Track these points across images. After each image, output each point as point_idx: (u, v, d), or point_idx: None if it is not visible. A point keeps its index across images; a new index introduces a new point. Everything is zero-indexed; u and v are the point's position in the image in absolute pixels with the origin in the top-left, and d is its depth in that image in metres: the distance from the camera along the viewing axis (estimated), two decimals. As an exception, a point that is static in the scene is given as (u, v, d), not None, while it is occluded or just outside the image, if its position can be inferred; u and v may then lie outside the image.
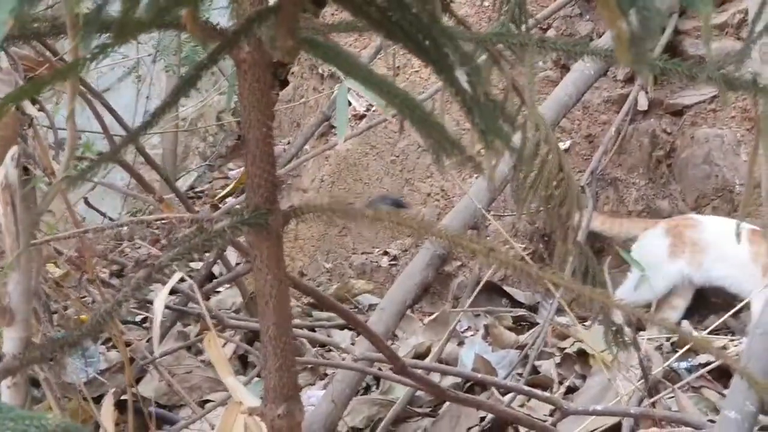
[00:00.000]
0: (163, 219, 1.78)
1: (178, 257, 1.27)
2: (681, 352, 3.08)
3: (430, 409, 3.34)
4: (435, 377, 3.33)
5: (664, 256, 3.64)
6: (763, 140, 1.39)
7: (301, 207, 1.50)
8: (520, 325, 3.87)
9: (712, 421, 2.83)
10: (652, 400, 2.81)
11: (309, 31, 1.26)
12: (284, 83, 5.41)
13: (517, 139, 1.95)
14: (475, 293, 3.47)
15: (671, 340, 3.38)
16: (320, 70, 4.93)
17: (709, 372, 3.11)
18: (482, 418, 3.13)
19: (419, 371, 2.79)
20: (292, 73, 5.17)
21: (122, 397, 2.59)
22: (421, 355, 3.55)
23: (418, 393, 3.28)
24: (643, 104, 4.08)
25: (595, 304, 2.09)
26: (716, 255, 3.59)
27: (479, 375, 3.00)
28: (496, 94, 1.35)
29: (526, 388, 2.88)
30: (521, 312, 3.93)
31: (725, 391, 3.10)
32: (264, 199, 1.45)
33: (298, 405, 1.53)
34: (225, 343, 3.56)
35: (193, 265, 3.88)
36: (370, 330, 2.12)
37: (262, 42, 1.32)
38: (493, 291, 4.03)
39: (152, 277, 1.28)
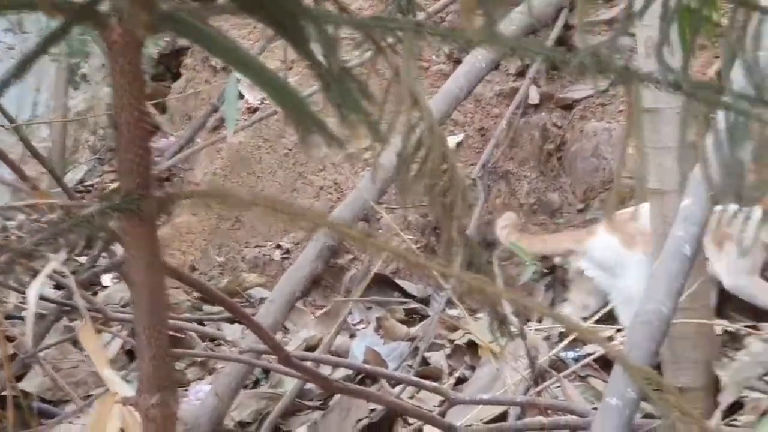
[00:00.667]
0: (33, 205, 1.74)
1: (42, 242, 1.23)
2: (566, 341, 3.11)
3: (321, 402, 3.32)
4: (326, 370, 3.32)
5: (623, 251, 3.54)
6: (634, 129, 1.40)
7: (177, 193, 1.47)
8: (412, 317, 3.88)
9: (596, 409, 2.86)
10: (538, 389, 2.83)
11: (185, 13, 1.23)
12: (176, 75, 5.35)
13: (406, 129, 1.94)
14: (364, 285, 3.46)
15: (559, 331, 3.41)
16: (213, 63, 4.88)
17: (595, 361, 3.15)
18: (372, 410, 3.12)
19: (308, 363, 2.78)
20: (185, 65, 5.11)
21: (2, 393, 2.53)
22: (312, 348, 3.53)
23: (309, 386, 3.27)
24: (534, 98, 4.12)
25: (481, 294, 2.10)
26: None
27: (368, 366, 2.99)
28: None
29: (415, 379, 2.88)
30: (413, 304, 3.93)
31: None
32: (136, 184, 1.41)
33: (173, 395, 1.50)
34: (112, 338, 3.50)
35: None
36: (253, 321, 2.09)
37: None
38: (385, 284, 4.03)
39: (15, 263, 1.24)
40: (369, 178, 3.57)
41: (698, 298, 3.06)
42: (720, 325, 3.20)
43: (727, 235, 3.39)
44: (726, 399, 3.01)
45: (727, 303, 3.53)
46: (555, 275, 3.83)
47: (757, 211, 1.33)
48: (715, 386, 3.06)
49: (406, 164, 2.14)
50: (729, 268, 3.44)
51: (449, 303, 3.66)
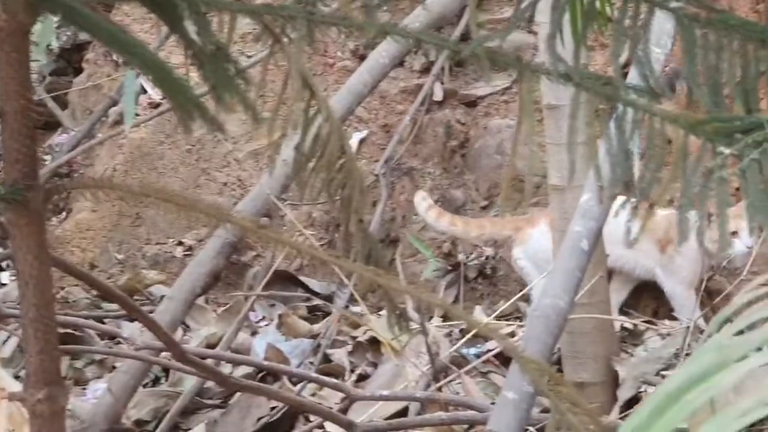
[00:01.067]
0: None
1: None
2: (467, 337, 3.12)
3: (221, 400, 3.29)
4: (228, 368, 3.29)
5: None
6: (526, 119, 1.40)
7: (65, 183, 1.44)
8: (315, 314, 3.85)
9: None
10: (438, 384, 2.83)
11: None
12: (78, 70, 5.27)
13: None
14: (265, 280, 3.43)
15: (461, 327, 3.42)
16: (114, 57, 4.80)
17: (496, 357, 3.16)
18: (273, 408, 3.10)
19: (208, 360, 2.75)
20: (87, 60, 5.02)
21: None
22: (212, 346, 3.49)
23: (209, 384, 3.24)
24: (438, 95, 4.12)
25: (378, 288, 2.09)
26: (609, 238, 3.46)
27: (266, 363, 2.97)
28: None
29: (316, 375, 2.86)
30: (316, 301, 3.91)
31: (511, 376, 3.16)
32: (22, 174, 1.38)
33: (62, 390, 1.47)
34: (8, 336, 3.44)
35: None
36: (147, 317, 2.05)
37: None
38: (288, 281, 4.00)
39: None
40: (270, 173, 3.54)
41: (597, 293, 3.09)
42: (618, 321, 3.24)
43: (672, 240, 3.39)
44: (624, 394, 3.05)
45: (626, 298, 3.57)
46: (458, 272, 3.83)
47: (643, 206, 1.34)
48: (614, 381, 3.09)
49: (303, 158, 2.13)
50: (674, 275, 3.46)
51: (352, 300, 3.65)
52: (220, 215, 2.11)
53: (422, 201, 3.74)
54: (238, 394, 3.20)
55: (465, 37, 4.12)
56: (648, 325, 3.34)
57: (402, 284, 2.07)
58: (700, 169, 1.27)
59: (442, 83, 4.14)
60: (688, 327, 3.18)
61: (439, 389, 2.81)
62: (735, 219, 3.22)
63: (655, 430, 0.60)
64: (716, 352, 0.68)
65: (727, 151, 1.24)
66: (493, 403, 2.78)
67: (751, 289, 0.75)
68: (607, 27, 1.44)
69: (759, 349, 0.70)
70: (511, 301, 3.36)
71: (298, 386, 3.10)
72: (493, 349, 3.16)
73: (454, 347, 3.11)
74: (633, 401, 3.03)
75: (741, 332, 0.71)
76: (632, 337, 3.38)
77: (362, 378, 3.29)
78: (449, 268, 3.86)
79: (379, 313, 3.46)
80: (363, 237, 2.24)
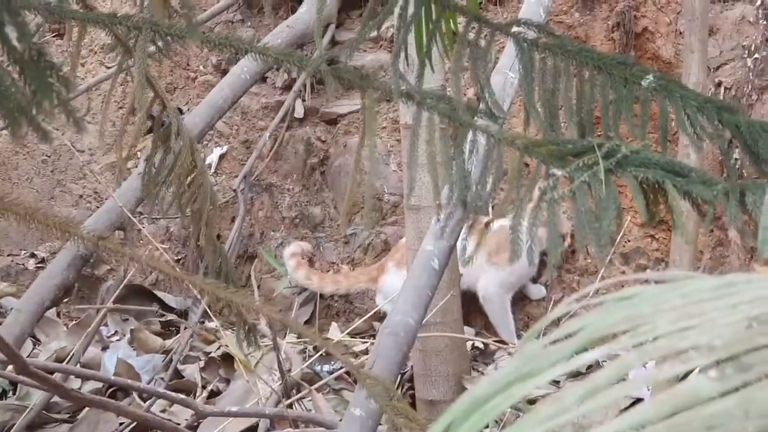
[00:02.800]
0: None
1: None
2: (317, 355, 3.12)
3: (69, 415, 3.23)
4: (77, 383, 3.23)
5: None
6: (368, 134, 1.41)
7: None
8: (170, 329, 3.81)
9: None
10: (288, 401, 2.82)
11: None
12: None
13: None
14: (117, 293, 3.38)
15: (314, 344, 3.42)
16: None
17: (348, 374, 3.17)
18: (121, 424, 3.05)
19: (56, 375, 2.70)
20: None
21: None
22: (62, 360, 3.42)
23: (58, 399, 3.17)
24: (299, 112, 4.13)
25: (227, 303, 2.08)
26: None
27: (115, 378, 2.92)
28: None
29: (163, 391, 2.83)
30: (171, 316, 3.87)
31: (364, 394, 3.17)
32: None
33: None
34: None
35: None
36: (-12, 328, 2.01)
37: None
38: (143, 295, 3.96)
39: None
40: (129, 184, 3.48)
41: (449, 312, 3.13)
42: (470, 340, 3.28)
43: (503, 250, 3.48)
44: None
45: (478, 318, 3.62)
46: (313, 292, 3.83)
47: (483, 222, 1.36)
48: (463, 399, 3.12)
49: (153, 170, 2.10)
50: (488, 281, 3.54)
51: (207, 315, 3.62)
52: (69, 230, 2.08)
53: (290, 249, 3.77)
54: (86, 409, 3.14)
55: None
56: (499, 345, 3.38)
57: (251, 300, 2.06)
58: (534, 189, 1.30)
59: (304, 100, 4.15)
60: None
61: (290, 406, 2.80)
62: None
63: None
64: (524, 361, 0.70)
65: (559, 173, 1.27)
66: (342, 420, 2.79)
67: (569, 303, 0.77)
68: (452, 46, 1.47)
69: (557, 362, 0.72)
70: (363, 318, 3.38)
71: (148, 402, 3.06)
72: (346, 368, 3.17)
73: (305, 364, 3.10)
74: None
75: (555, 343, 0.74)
76: (483, 356, 3.42)
77: (214, 394, 3.26)
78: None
79: (234, 328, 3.44)
80: (214, 251, 2.24)
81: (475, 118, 1.35)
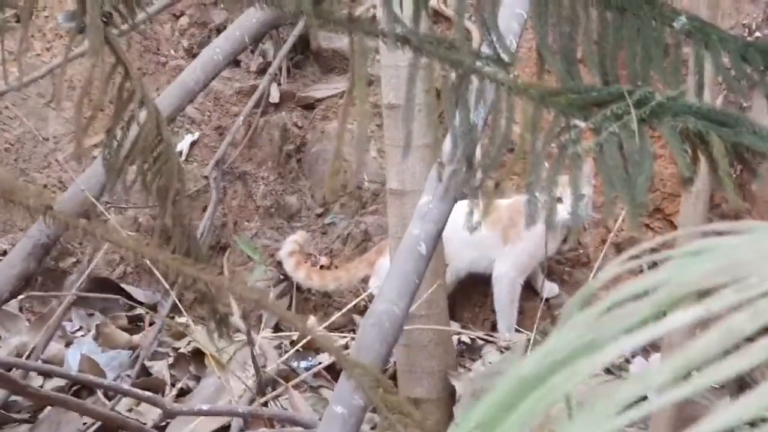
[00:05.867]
0: None
1: None
2: (295, 348, 2.94)
3: (29, 414, 3.03)
4: (39, 380, 3.05)
5: None
6: (358, 85, 1.22)
7: None
8: (138, 324, 3.61)
9: (324, 420, 2.69)
10: (263, 399, 2.63)
11: None
12: None
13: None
14: (81, 282, 3.18)
15: (291, 339, 3.23)
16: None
17: (327, 371, 2.98)
18: (85, 423, 2.86)
19: (15, 371, 2.51)
20: None
21: None
22: (23, 356, 3.22)
23: (17, 397, 2.97)
24: (274, 96, 3.93)
25: (194, 282, 1.89)
26: (455, 246, 3.30)
27: (79, 375, 2.73)
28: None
29: (129, 389, 2.63)
30: (139, 311, 3.66)
31: (343, 391, 2.98)
32: None
33: None
34: None
35: None
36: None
37: None
38: (110, 289, 3.75)
39: None
40: (94, 170, 3.28)
41: (435, 304, 2.95)
42: (457, 333, 3.09)
43: (518, 233, 3.31)
44: (461, 411, 2.90)
45: (464, 311, 3.43)
46: (290, 282, 3.64)
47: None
48: (451, 397, 2.94)
49: (115, 143, 1.91)
50: (502, 261, 3.35)
51: (177, 310, 3.42)
52: (41, 206, 1.90)
53: (288, 245, 3.56)
54: (48, 408, 2.95)
55: (304, 38, 3.95)
56: (486, 339, 3.20)
57: (221, 278, 1.86)
58: (550, 145, 1.11)
59: (279, 84, 3.96)
60: (528, 339, 3.07)
61: (265, 404, 2.61)
62: (561, 186, 3.13)
63: (506, 427, 0.42)
64: (582, 331, 0.50)
65: (582, 124, 1.09)
66: (321, 419, 2.61)
67: (618, 263, 0.57)
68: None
69: (629, 330, 0.52)
70: (344, 310, 3.19)
71: (113, 401, 2.86)
72: (325, 363, 2.98)
73: (282, 359, 2.91)
74: (471, 418, 2.89)
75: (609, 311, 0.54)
76: (470, 351, 3.23)
77: (184, 393, 3.06)
78: (281, 277, 3.66)
79: (205, 323, 3.25)
80: (182, 232, 2.04)
81: (481, 64, 1.17)
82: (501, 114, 1.14)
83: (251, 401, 2.64)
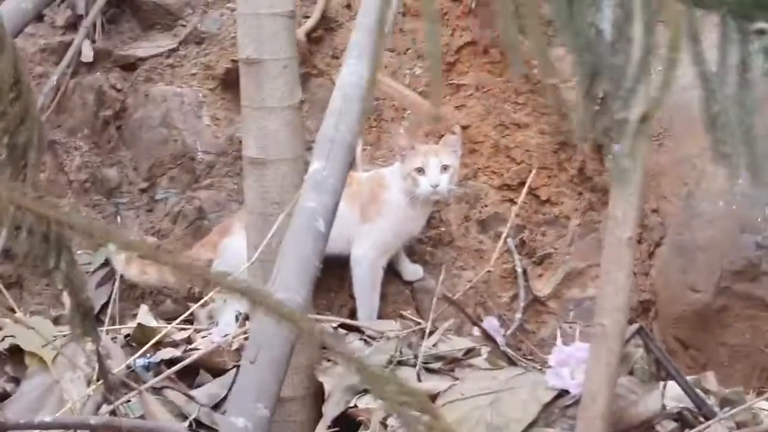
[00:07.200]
0: None
1: None
2: (147, 346, 2.52)
3: None
4: None
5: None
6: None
7: None
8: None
9: (191, 428, 2.30)
10: (112, 406, 2.20)
11: None
12: None
13: None
14: None
15: (125, 333, 2.79)
16: None
17: (170, 365, 2.57)
18: None
19: None
20: None
21: None
22: None
23: None
24: (87, 55, 3.45)
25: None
26: None
27: None
28: None
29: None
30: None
31: (193, 392, 2.58)
32: None
33: None
34: None
35: None
36: None
37: None
38: None
39: None
40: None
41: (300, 290, 2.57)
42: (322, 322, 2.72)
43: (378, 210, 2.95)
44: (332, 410, 2.54)
45: (318, 297, 3.07)
46: (114, 268, 3.18)
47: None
48: (319, 395, 2.58)
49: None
50: (366, 242, 2.97)
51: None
52: None
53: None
54: None
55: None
56: (349, 328, 2.85)
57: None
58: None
59: (93, 42, 3.47)
60: (398, 332, 2.75)
61: (113, 412, 2.18)
62: (423, 155, 2.77)
63: None
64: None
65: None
66: (190, 427, 2.21)
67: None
68: None
69: None
70: (198, 305, 2.78)
71: None
72: (173, 360, 2.57)
73: (133, 357, 2.48)
74: (342, 418, 2.54)
75: None
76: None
77: (1, 398, 2.60)
78: (104, 262, 3.20)
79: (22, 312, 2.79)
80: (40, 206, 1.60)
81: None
82: (634, 16, 0.78)
83: (97, 408, 2.20)
